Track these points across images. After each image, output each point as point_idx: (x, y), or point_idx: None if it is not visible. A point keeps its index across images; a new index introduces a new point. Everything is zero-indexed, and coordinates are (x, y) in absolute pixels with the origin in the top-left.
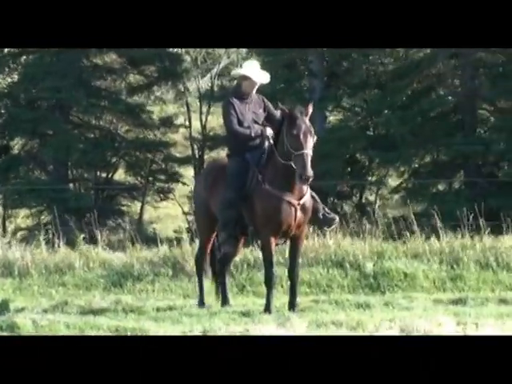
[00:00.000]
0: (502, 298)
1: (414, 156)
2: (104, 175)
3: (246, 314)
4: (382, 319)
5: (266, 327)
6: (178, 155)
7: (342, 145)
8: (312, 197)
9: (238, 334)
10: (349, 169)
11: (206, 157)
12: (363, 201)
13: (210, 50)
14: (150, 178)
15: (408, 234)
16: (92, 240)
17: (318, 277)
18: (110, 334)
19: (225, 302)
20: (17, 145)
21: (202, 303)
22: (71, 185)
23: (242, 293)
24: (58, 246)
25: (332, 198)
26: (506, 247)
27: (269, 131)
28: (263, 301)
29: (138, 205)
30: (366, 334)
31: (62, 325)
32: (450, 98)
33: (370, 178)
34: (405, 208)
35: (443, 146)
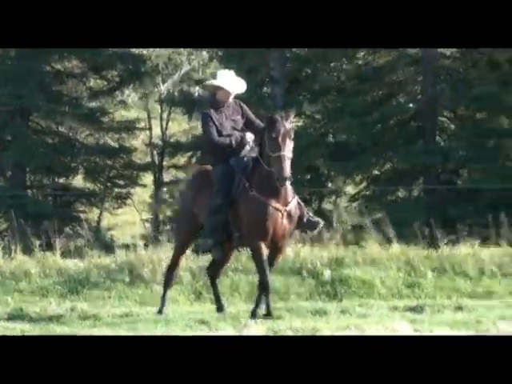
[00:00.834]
0: (459, 305)
1: (373, 163)
2: (62, 181)
3: (203, 322)
4: (338, 326)
5: (223, 334)
6: (137, 161)
7: (302, 152)
8: (298, 203)
9: None
10: (308, 176)
11: (164, 163)
12: (322, 208)
13: (171, 56)
14: (109, 184)
15: (366, 241)
16: (49, 247)
17: (276, 284)
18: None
19: (221, 309)
20: None
21: (161, 311)
22: (29, 191)
23: (199, 300)
24: (15, 253)
25: None
26: (462, 254)
27: (249, 136)
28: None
29: (97, 211)
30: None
31: (18, 331)
32: (410, 105)
33: (329, 186)
34: (363, 215)
35: (403, 154)
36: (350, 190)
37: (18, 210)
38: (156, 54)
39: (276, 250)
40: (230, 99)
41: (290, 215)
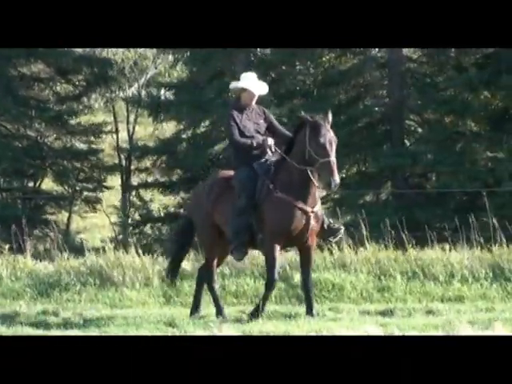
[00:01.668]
0: (429, 309)
1: (340, 166)
2: (31, 184)
3: (173, 324)
4: (309, 330)
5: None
6: (105, 164)
7: None
8: None
9: None
10: None
11: (132, 167)
12: None
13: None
14: (78, 188)
15: (335, 244)
16: (19, 249)
17: (246, 287)
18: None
19: (220, 313)
20: None
21: (195, 312)
22: None
23: (169, 303)
24: None
25: None
26: (432, 258)
27: (270, 141)
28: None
29: (66, 214)
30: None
31: None
32: (377, 108)
33: None
34: (332, 219)
35: (370, 157)
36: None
37: None
38: (122, 58)
39: (308, 248)
40: (254, 102)
41: (316, 216)
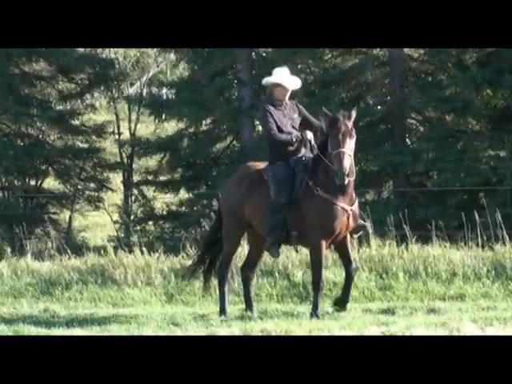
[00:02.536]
0: (431, 307)
1: None
2: (33, 183)
3: (175, 323)
4: (311, 328)
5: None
6: (107, 163)
7: None
8: None
9: None
10: None
11: (134, 165)
12: None
13: (140, 59)
14: (80, 187)
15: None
16: (21, 248)
17: None
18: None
19: (250, 308)
20: None
21: (222, 312)
22: (0, 193)
23: (171, 301)
24: None
25: None
26: (434, 256)
27: (309, 135)
28: (192, 310)
29: (68, 213)
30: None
31: None
32: (379, 107)
33: None
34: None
35: (372, 155)
36: None
37: None
38: (124, 57)
39: (345, 244)
40: (287, 97)
41: (354, 214)
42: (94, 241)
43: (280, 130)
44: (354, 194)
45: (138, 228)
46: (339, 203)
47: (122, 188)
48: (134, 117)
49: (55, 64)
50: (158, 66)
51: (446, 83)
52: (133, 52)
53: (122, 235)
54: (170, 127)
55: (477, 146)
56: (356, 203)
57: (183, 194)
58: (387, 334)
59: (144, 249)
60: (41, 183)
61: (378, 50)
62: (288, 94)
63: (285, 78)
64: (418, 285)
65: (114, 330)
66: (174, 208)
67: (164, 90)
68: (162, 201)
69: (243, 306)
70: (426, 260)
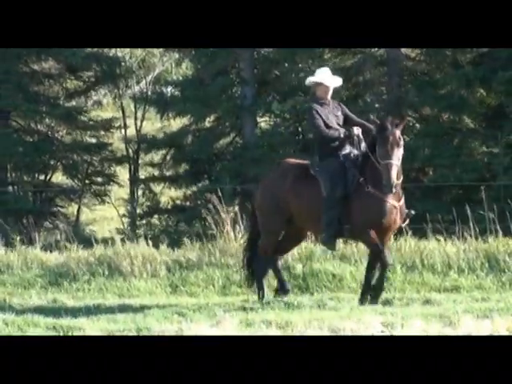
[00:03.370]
0: (427, 298)
1: None
2: (42, 178)
3: (180, 313)
4: (311, 319)
5: (199, 326)
6: (114, 158)
7: (272, 150)
8: None
9: (172, 333)
10: None
11: (140, 161)
12: None
13: (145, 57)
14: (87, 181)
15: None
16: (30, 241)
17: None
18: (47, 330)
19: (284, 289)
20: None
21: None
22: (10, 188)
23: (176, 293)
24: None
25: None
26: (430, 249)
27: (356, 131)
28: (196, 300)
29: (75, 207)
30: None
31: (1, 322)
32: (376, 105)
33: None
34: None
35: None
36: None
37: (0, 206)
38: (130, 56)
39: (386, 243)
40: (329, 95)
41: (402, 210)
42: (101, 233)
43: (327, 127)
44: (400, 191)
45: (144, 222)
46: (389, 200)
47: (128, 182)
48: (140, 114)
49: (63, 62)
50: (163, 65)
51: (442, 82)
52: (139, 52)
53: (128, 228)
54: (175, 124)
55: (471, 143)
56: (403, 199)
57: (187, 189)
58: (385, 324)
59: (149, 241)
60: (49, 178)
61: (376, 49)
62: (330, 92)
63: (326, 76)
64: (414, 277)
65: (121, 320)
66: (178, 202)
67: (169, 88)
68: (167, 195)
69: (246, 297)
70: (422, 253)
